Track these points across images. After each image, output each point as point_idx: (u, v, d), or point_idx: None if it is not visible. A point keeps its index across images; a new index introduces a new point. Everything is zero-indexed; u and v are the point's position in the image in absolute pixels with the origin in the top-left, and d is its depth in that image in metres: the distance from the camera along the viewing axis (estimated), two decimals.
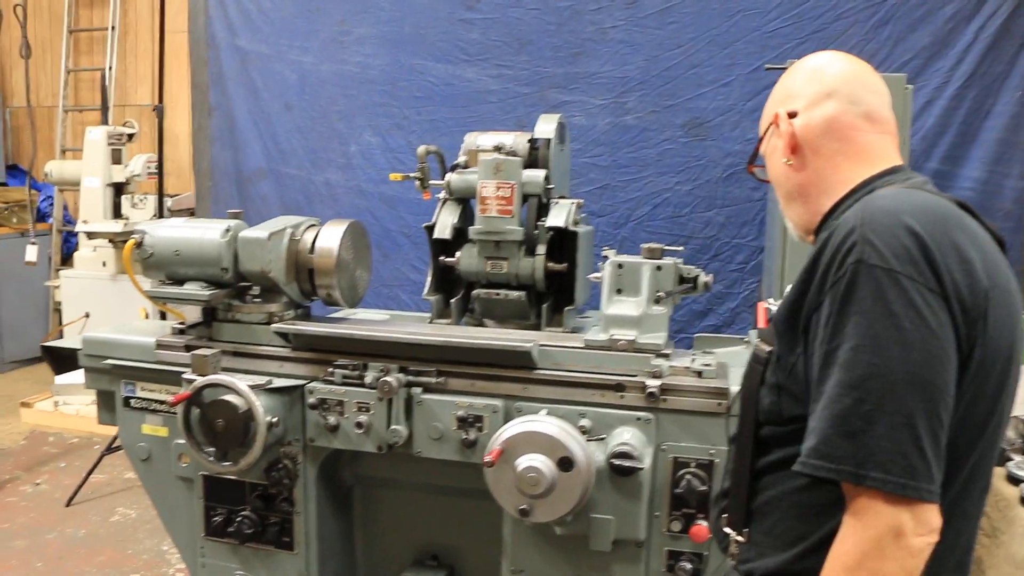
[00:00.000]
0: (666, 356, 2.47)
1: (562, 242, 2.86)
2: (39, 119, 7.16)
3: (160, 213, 5.14)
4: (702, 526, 2.35)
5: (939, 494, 1.24)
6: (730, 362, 3.02)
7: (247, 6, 4.61)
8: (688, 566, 2.41)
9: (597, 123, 4.18)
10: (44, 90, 7.23)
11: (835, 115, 1.54)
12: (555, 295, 2.94)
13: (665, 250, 2.60)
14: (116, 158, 5.96)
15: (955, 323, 1.27)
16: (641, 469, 2.32)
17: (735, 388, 2.34)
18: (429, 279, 3.05)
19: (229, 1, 4.62)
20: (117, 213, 5.91)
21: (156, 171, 5.16)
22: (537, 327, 2.90)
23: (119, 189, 5.99)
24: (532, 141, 2.97)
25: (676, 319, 4.13)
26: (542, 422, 2.33)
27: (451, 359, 2.52)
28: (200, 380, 2.54)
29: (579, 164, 4.22)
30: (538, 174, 2.85)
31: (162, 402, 2.76)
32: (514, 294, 2.92)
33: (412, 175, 2.89)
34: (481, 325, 3.05)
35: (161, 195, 4.97)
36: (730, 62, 3.90)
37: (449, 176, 2.96)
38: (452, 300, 3.00)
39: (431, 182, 2.94)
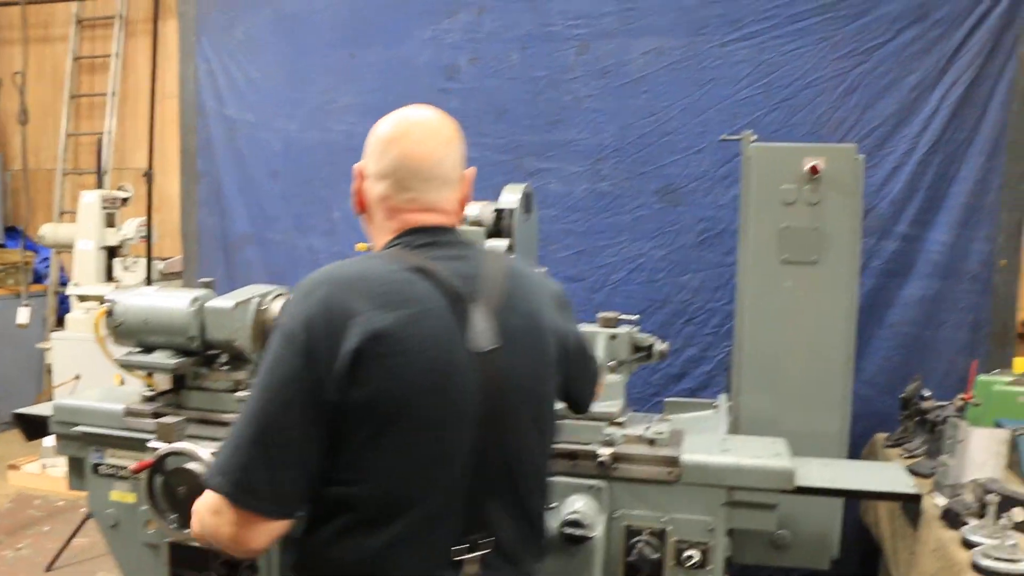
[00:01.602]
0: (620, 424, 2.51)
1: None
2: (40, 182, 7.32)
3: (149, 276, 5.22)
4: None
5: (271, 509, 1.47)
6: (692, 427, 3.06)
7: (235, 75, 4.75)
8: None
9: (574, 190, 4.26)
10: (44, 153, 7.38)
11: (385, 194, 1.65)
12: None
13: (620, 319, 2.65)
14: (110, 221, 6.07)
15: (316, 372, 1.43)
16: (591, 538, 2.34)
17: (688, 456, 2.37)
18: None
19: (218, 70, 4.77)
20: (110, 276, 6.01)
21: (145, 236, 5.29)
22: None
23: (112, 252, 6.10)
24: (498, 211, 3.04)
25: (652, 383, 4.17)
26: None
27: None
28: (163, 448, 2.57)
29: (556, 230, 4.31)
30: (500, 244, 2.91)
31: None
32: None
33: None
34: None
35: (150, 259, 5.06)
36: (702, 129, 3.99)
37: None
38: None
39: None
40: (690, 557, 2.34)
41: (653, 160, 4.11)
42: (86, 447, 2.89)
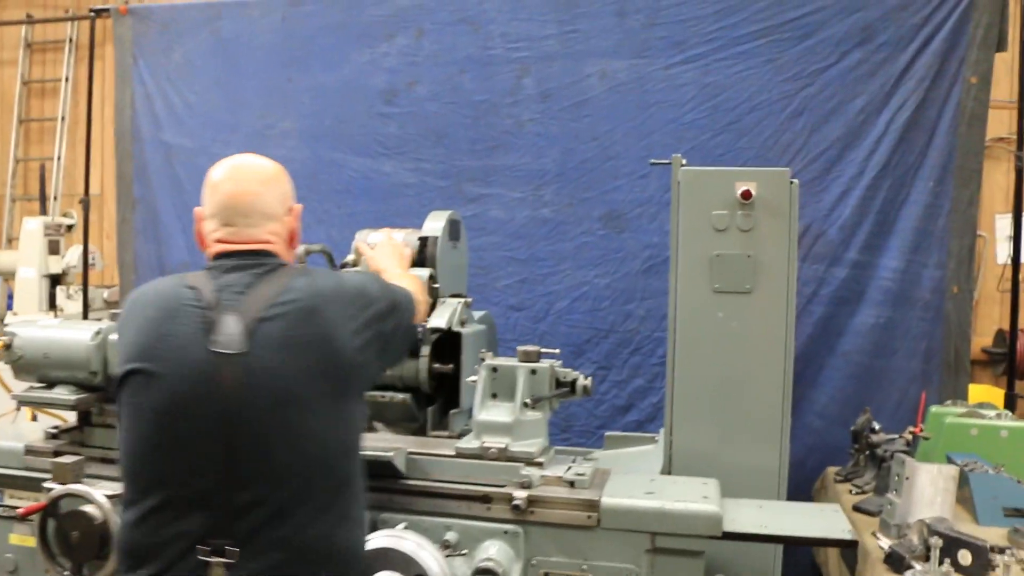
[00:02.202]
0: (539, 465, 2.36)
1: (450, 342, 2.78)
2: None
3: (85, 306, 5.05)
4: None
5: None
6: (625, 466, 2.91)
7: (172, 100, 4.60)
8: None
9: (515, 216, 4.13)
10: None
11: (213, 229, 1.90)
12: (445, 397, 2.84)
13: (542, 352, 2.51)
14: (54, 249, 5.91)
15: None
16: None
17: (609, 500, 2.22)
18: None
19: (155, 94, 4.62)
20: (52, 304, 5.83)
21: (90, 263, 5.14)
22: (424, 431, 2.80)
23: (56, 280, 5.92)
24: (422, 239, 2.90)
25: (597, 415, 4.03)
26: (398, 538, 2.20)
27: None
28: (57, 489, 2.41)
29: (497, 258, 4.17)
30: (423, 273, 2.78)
31: None
32: (399, 396, 2.82)
33: None
34: (371, 429, 2.94)
35: (86, 288, 4.88)
36: (646, 154, 3.86)
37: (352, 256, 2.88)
38: None
39: None
40: None
41: (597, 185, 4.00)
42: None
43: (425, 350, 2.77)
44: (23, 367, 2.71)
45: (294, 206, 1.99)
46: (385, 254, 2.56)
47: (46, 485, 2.44)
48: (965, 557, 2.45)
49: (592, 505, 2.22)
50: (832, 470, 3.52)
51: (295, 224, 1.99)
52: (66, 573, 2.39)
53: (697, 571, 2.21)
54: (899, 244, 3.73)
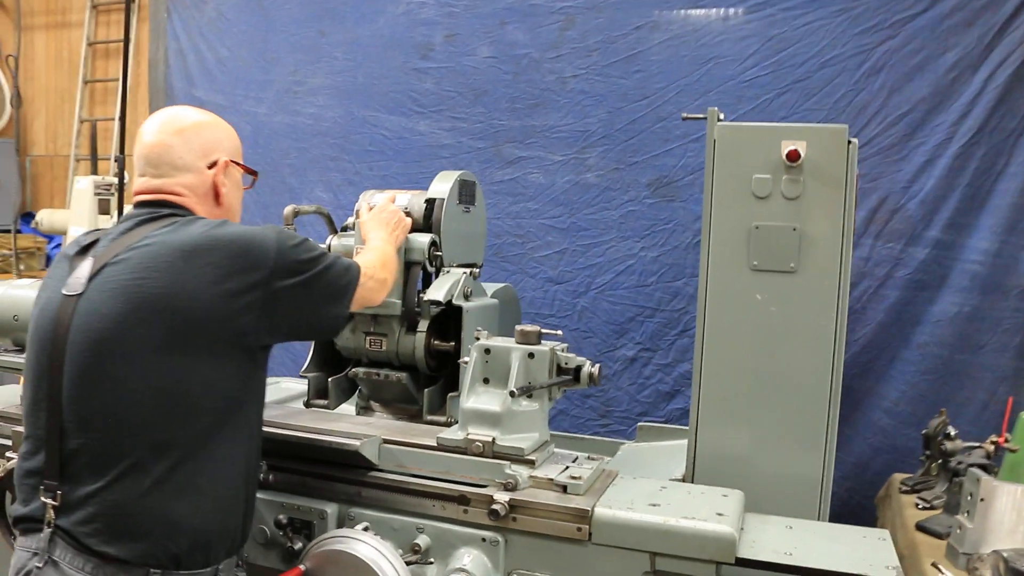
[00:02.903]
0: (530, 463, 2.03)
1: (454, 317, 2.47)
2: (58, 168, 7.20)
3: None
4: None
5: None
6: (640, 466, 2.57)
7: (205, 56, 4.43)
8: None
9: (556, 181, 3.78)
10: (61, 139, 7.26)
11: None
12: (446, 378, 2.54)
13: (544, 333, 2.17)
14: (104, 208, 5.85)
15: None
16: None
17: (603, 511, 1.89)
18: (310, 355, 2.69)
19: (188, 49, 4.45)
20: None
21: None
22: (422, 415, 2.51)
23: None
24: (429, 201, 2.59)
25: (640, 400, 3.71)
26: (351, 540, 1.91)
27: (281, 452, 2.13)
28: (13, 461, 2.23)
29: (536, 226, 3.85)
30: (421, 239, 2.47)
31: None
32: (395, 375, 2.53)
33: None
34: (368, 409, 2.67)
35: None
36: (700, 112, 3.47)
37: (330, 239, 2.62)
38: (331, 379, 2.63)
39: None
40: None
41: (646, 149, 3.62)
42: None
43: (423, 325, 2.48)
44: None
45: (221, 160, 1.91)
46: (374, 220, 2.34)
47: (8, 455, 2.27)
48: None
49: (583, 516, 1.88)
50: (899, 477, 3.09)
51: (218, 178, 1.90)
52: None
53: None
54: (992, 223, 3.25)
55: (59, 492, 1.65)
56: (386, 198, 2.51)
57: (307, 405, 2.64)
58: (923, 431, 2.99)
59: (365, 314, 2.48)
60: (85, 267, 1.72)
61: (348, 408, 2.66)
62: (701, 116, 2.29)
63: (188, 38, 4.47)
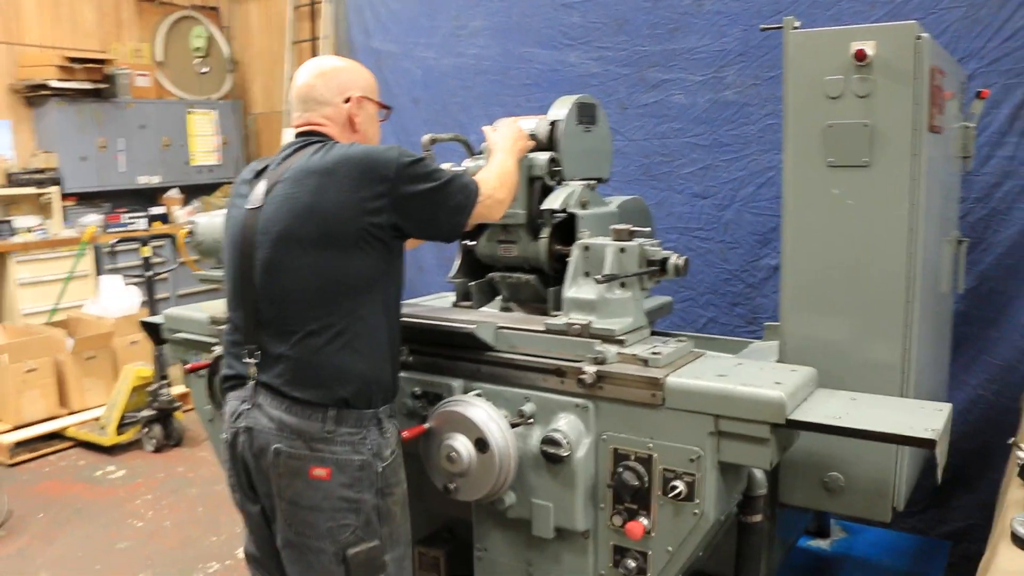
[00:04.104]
0: (620, 342, 2.35)
1: (573, 225, 2.80)
2: (275, 124, 8.10)
3: None
4: (639, 523, 2.23)
5: None
6: (744, 355, 2.78)
7: (379, 8, 4.91)
8: (632, 564, 2.30)
9: (697, 100, 3.94)
10: (275, 97, 8.10)
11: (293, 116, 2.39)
12: None
13: (634, 231, 2.46)
14: None
15: None
16: (564, 457, 2.25)
17: (673, 379, 2.18)
18: (457, 263, 3.12)
19: (364, 5, 4.95)
20: None
21: None
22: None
23: None
24: (553, 123, 2.92)
25: None
26: (466, 403, 2.34)
27: (418, 339, 2.59)
28: (217, 350, 2.83)
29: (680, 144, 4.05)
30: (541, 157, 2.81)
31: None
32: (525, 277, 2.91)
33: None
34: (508, 309, 3.07)
35: None
36: (835, 24, 3.49)
37: (466, 162, 3.00)
38: (472, 283, 3.06)
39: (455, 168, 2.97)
40: (674, 487, 2.17)
41: (780, 64, 3.65)
42: (187, 351, 3.24)
43: (545, 232, 2.83)
44: (203, 251, 3.14)
45: (355, 95, 2.31)
46: (500, 137, 2.65)
47: (214, 348, 2.86)
48: None
49: (657, 383, 2.18)
50: None
51: (353, 110, 2.31)
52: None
53: (763, 460, 2.10)
54: None
55: (258, 353, 2.13)
56: (511, 119, 2.84)
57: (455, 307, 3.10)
58: None
59: (496, 225, 2.87)
60: (261, 187, 2.18)
61: (491, 308, 3.08)
62: (778, 26, 2.45)
63: None
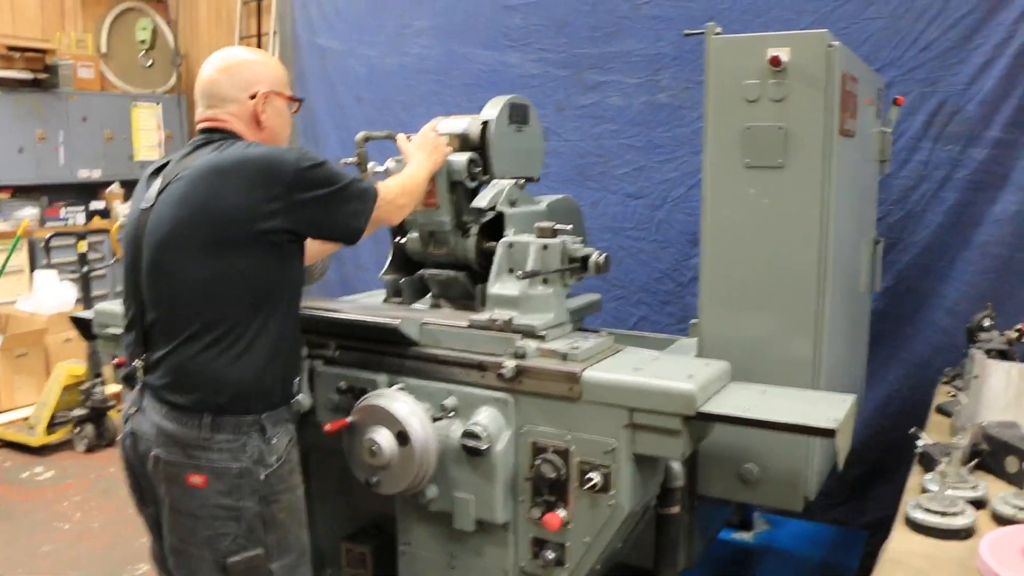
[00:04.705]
0: (541, 338, 2.40)
1: (501, 222, 2.84)
2: None
3: None
4: (556, 515, 2.28)
5: None
6: (668, 350, 2.84)
7: (325, 6, 4.91)
8: (550, 555, 2.34)
9: (632, 103, 4.02)
10: None
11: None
12: None
13: (557, 229, 2.51)
14: None
15: None
16: (484, 450, 2.29)
17: (590, 373, 2.23)
18: (388, 260, 3.15)
19: (310, 1, 4.96)
20: None
21: None
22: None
23: None
24: (484, 123, 2.96)
25: None
26: (388, 397, 2.37)
27: (344, 334, 2.61)
28: None
29: (615, 145, 4.12)
30: (460, 160, 2.82)
31: None
32: (454, 274, 2.95)
33: (350, 160, 2.99)
34: (438, 306, 3.10)
35: None
36: (765, 31, 3.59)
37: (388, 162, 2.99)
38: (402, 280, 3.09)
39: (377, 168, 3.00)
40: (590, 479, 2.22)
41: None
42: (120, 347, 3.20)
43: (475, 230, 2.87)
44: None
45: (261, 91, 2.24)
46: (415, 147, 2.68)
47: None
48: (1012, 464, 2.20)
49: (574, 378, 2.24)
50: (949, 371, 3.21)
51: (259, 107, 2.24)
52: None
53: (675, 451, 2.17)
54: None
55: (144, 356, 2.12)
56: (429, 126, 2.82)
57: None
58: (966, 324, 3.10)
59: (424, 230, 2.90)
60: (156, 184, 2.15)
61: (421, 305, 3.11)
62: (700, 31, 2.52)
63: None
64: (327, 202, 2.14)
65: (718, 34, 2.49)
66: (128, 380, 2.22)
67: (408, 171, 2.54)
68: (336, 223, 2.21)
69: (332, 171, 2.19)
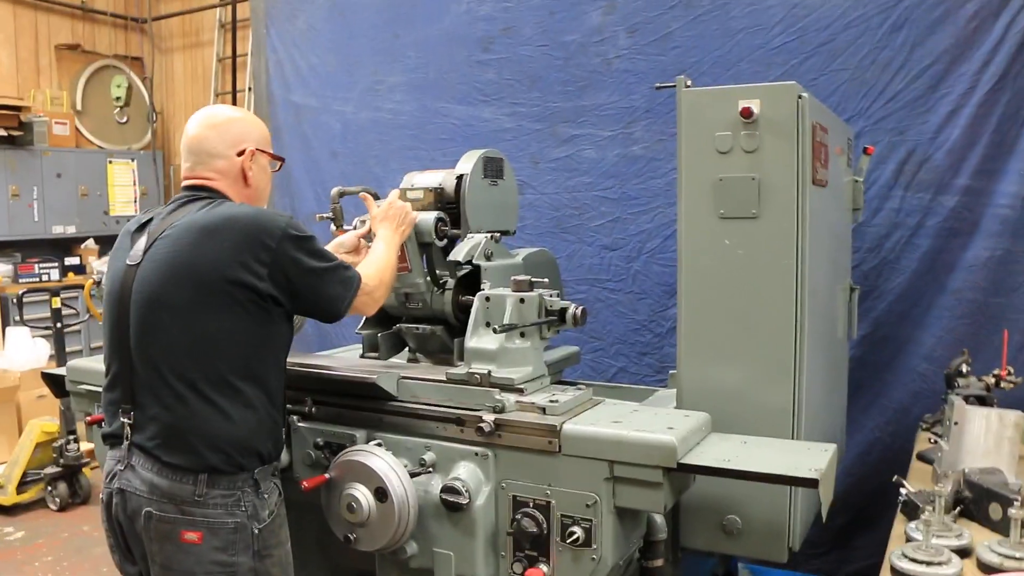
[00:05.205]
0: (519, 391, 2.38)
1: (478, 276, 2.84)
2: None
3: None
4: (539, 569, 2.24)
5: None
6: (648, 402, 2.83)
7: (299, 63, 4.97)
8: None
9: (606, 155, 4.07)
10: None
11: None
12: None
13: (534, 282, 2.51)
14: None
15: None
16: (464, 505, 2.25)
17: (569, 427, 2.21)
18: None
19: (284, 59, 5.00)
20: None
21: None
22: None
23: None
24: (459, 177, 2.97)
25: None
26: (366, 452, 2.33)
27: (321, 389, 2.58)
28: None
29: (590, 198, 4.16)
30: (427, 221, 2.81)
31: None
32: (431, 328, 2.93)
33: (325, 216, 2.98)
34: (416, 360, 3.08)
35: None
36: (735, 83, 3.66)
37: (356, 221, 2.95)
38: (380, 335, 3.06)
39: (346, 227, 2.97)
40: (572, 533, 2.19)
41: None
42: (92, 404, 3.14)
43: (451, 284, 2.86)
44: None
45: (248, 148, 2.25)
46: (381, 214, 2.64)
47: None
48: (996, 511, 2.19)
49: (553, 431, 2.21)
50: (928, 418, 3.22)
51: (246, 164, 2.25)
52: None
53: (657, 504, 2.14)
54: (1020, 166, 3.29)
55: (132, 414, 2.08)
56: (394, 194, 2.77)
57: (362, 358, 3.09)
58: (944, 371, 3.11)
59: (400, 291, 2.87)
60: (142, 242, 2.13)
61: (399, 360, 3.08)
62: (671, 84, 2.55)
63: (284, 49, 5.02)
64: (311, 279, 2.14)
65: (689, 87, 2.52)
66: (112, 439, 2.15)
67: (380, 255, 2.49)
68: (319, 300, 2.20)
69: (321, 249, 2.19)
